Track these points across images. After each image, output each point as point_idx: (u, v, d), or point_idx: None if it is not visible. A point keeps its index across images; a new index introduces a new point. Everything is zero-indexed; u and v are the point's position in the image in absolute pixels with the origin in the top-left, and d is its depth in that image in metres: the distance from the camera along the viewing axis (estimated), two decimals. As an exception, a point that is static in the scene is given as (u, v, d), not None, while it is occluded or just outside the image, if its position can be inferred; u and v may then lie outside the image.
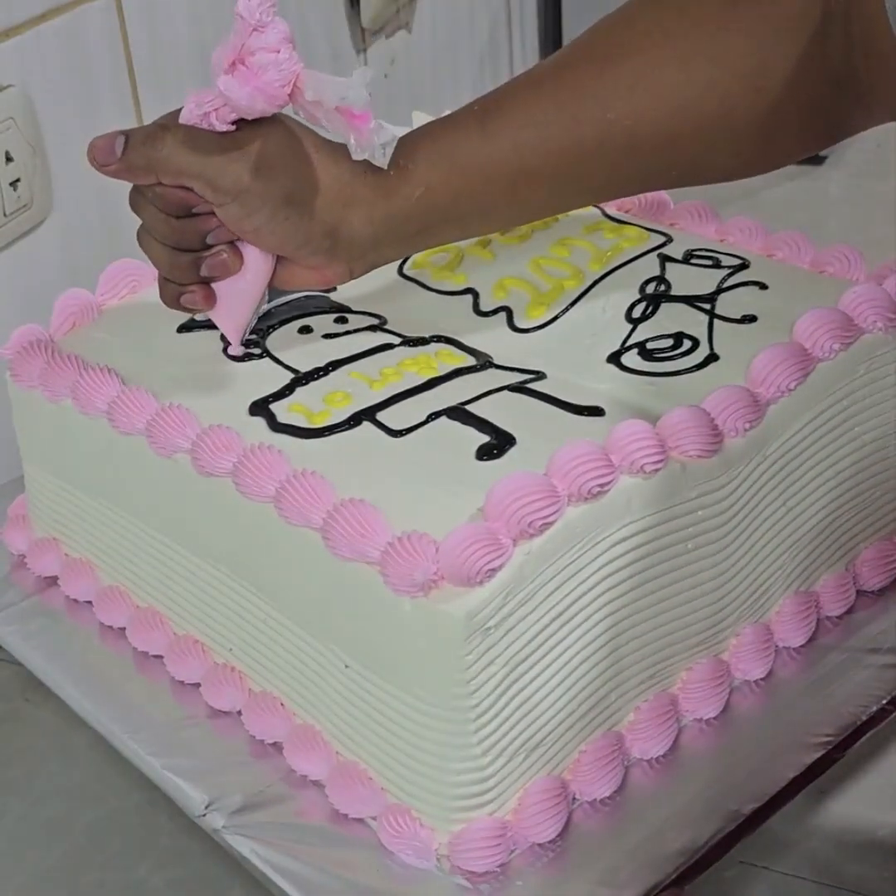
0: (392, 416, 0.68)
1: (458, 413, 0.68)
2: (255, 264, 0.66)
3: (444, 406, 0.69)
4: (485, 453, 0.65)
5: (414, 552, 0.59)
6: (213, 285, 0.66)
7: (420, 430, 0.67)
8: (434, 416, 0.68)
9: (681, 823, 0.64)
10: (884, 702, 0.69)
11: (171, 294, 0.66)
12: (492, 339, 0.77)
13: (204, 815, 0.66)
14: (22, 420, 0.80)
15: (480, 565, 0.58)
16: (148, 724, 0.72)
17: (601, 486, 0.62)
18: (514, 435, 0.66)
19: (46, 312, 0.80)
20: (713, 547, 0.67)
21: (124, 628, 0.77)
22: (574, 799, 0.65)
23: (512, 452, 0.65)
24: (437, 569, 0.59)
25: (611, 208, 0.88)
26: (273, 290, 0.70)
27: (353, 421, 0.68)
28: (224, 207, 0.63)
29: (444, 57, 1.21)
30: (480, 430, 0.67)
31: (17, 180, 0.86)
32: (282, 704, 0.69)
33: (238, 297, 0.67)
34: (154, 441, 0.70)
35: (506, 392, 0.71)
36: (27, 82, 0.88)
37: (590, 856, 0.63)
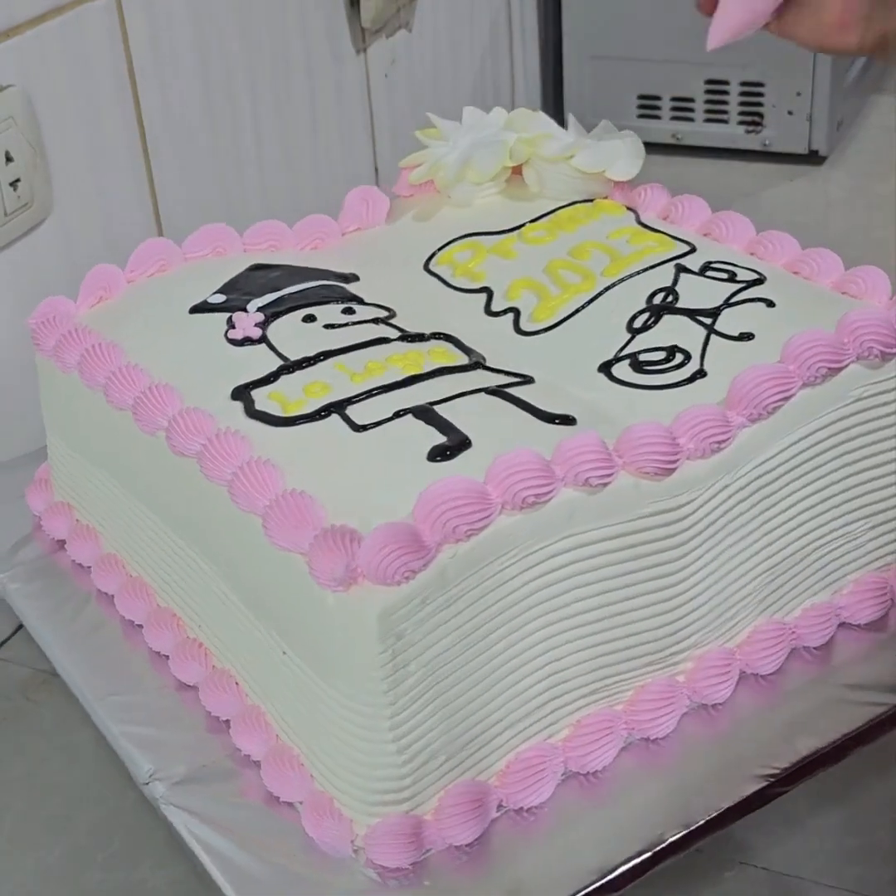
0: (360, 411, 0.69)
1: (424, 412, 0.68)
2: None
3: (414, 404, 0.69)
4: (438, 454, 0.65)
5: (336, 546, 0.60)
6: None
7: (382, 427, 0.68)
8: (400, 413, 0.68)
9: (601, 842, 0.63)
10: (838, 739, 0.67)
11: None
12: (495, 339, 0.77)
13: (147, 784, 0.68)
14: (43, 387, 0.84)
15: (397, 565, 0.59)
16: (119, 690, 0.74)
17: (537, 496, 0.61)
18: (472, 438, 0.66)
19: None
20: (670, 566, 0.66)
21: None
22: (501, 806, 0.65)
23: (464, 455, 0.65)
24: (357, 565, 0.59)
25: (648, 214, 0.87)
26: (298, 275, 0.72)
27: (323, 413, 0.69)
28: None
29: (445, 57, 1.20)
30: (441, 431, 0.67)
31: (17, 180, 0.87)
32: (236, 684, 0.71)
33: (733, 10, 0.70)
34: (138, 418, 0.72)
35: (482, 394, 0.71)
36: (27, 82, 0.88)
37: (504, 864, 0.63)
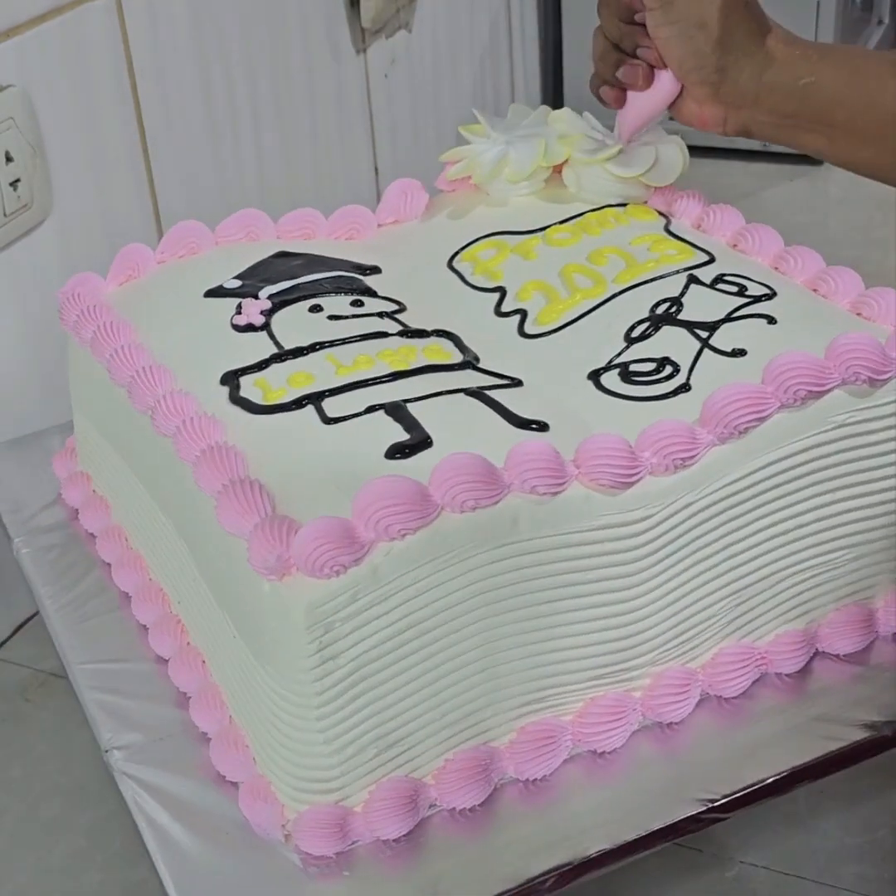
0: (335, 404, 0.70)
1: (396, 409, 0.69)
2: (663, 85, 0.81)
3: (388, 400, 0.69)
4: (396, 452, 0.66)
5: (272, 536, 0.61)
6: (629, 93, 0.82)
7: (351, 421, 0.69)
8: (373, 408, 0.69)
9: (529, 850, 0.63)
10: (787, 771, 0.66)
11: (595, 85, 0.84)
12: (497, 340, 0.77)
13: (107, 752, 0.70)
14: (69, 360, 0.86)
15: (327, 558, 0.59)
16: (100, 658, 0.76)
17: (478, 500, 0.61)
18: (435, 438, 0.66)
19: (46, 312, 0.83)
20: (623, 581, 0.66)
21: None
22: (434, 804, 0.65)
23: (422, 455, 0.65)
24: (290, 556, 0.60)
25: (681, 221, 0.86)
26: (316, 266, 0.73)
27: (299, 403, 0.70)
28: (652, 11, 0.77)
29: (445, 57, 1.19)
30: (406, 429, 0.67)
31: (17, 180, 0.87)
32: (203, 662, 0.72)
33: (640, 106, 0.83)
34: (132, 396, 0.74)
35: (461, 395, 0.71)
36: (27, 82, 0.88)
37: (428, 862, 0.63)
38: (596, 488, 0.64)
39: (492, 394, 0.71)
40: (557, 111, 0.93)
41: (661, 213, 0.87)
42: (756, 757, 0.67)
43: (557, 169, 0.92)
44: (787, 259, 0.80)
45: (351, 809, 0.64)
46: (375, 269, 0.85)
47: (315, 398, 0.70)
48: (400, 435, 0.67)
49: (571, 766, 0.67)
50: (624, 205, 0.88)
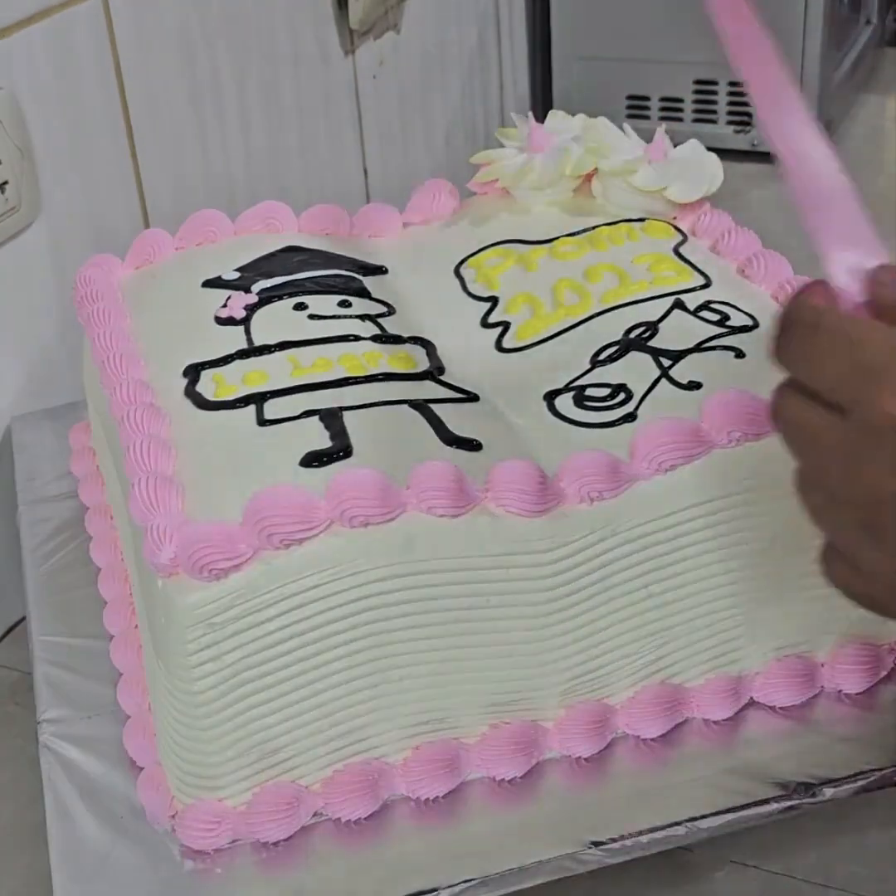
0: (275, 406, 0.70)
1: (330, 416, 0.69)
2: None
3: (326, 405, 0.69)
4: (313, 460, 0.66)
5: (163, 535, 0.62)
6: None
7: (284, 425, 0.69)
8: (309, 413, 0.69)
9: (403, 867, 0.63)
10: (676, 822, 0.63)
11: None
12: (474, 352, 0.77)
13: (39, 724, 0.72)
14: (85, 335, 0.89)
15: (204, 563, 0.60)
16: (58, 632, 0.77)
17: (369, 516, 0.61)
18: (356, 449, 0.66)
19: (38, 312, 0.85)
20: (530, 610, 0.64)
21: (105, 542, 0.84)
22: (320, 813, 0.65)
23: (338, 465, 0.65)
24: (175, 557, 0.61)
25: (700, 240, 0.83)
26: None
27: (242, 402, 0.71)
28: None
29: (433, 58, 1.16)
30: (331, 437, 0.67)
31: (5, 183, 0.86)
32: (140, 645, 0.74)
33: None
34: (101, 378, 0.76)
35: (404, 406, 0.70)
36: (15, 84, 0.87)
37: (301, 868, 0.64)
38: (503, 515, 0.63)
39: (436, 407, 0.70)
40: (593, 120, 0.91)
41: (679, 231, 0.84)
42: (651, 803, 0.65)
43: (589, 178, 0.90)
44: (789, 290, 0.77)
45: (233, 809, 0.65)
46: (380, 270, 0.85)
47: (258, 398, 0.71)
48: (324, 442, 0.67)
49: (468, 787, 0.66)
50: (643, 220, 0.86)
